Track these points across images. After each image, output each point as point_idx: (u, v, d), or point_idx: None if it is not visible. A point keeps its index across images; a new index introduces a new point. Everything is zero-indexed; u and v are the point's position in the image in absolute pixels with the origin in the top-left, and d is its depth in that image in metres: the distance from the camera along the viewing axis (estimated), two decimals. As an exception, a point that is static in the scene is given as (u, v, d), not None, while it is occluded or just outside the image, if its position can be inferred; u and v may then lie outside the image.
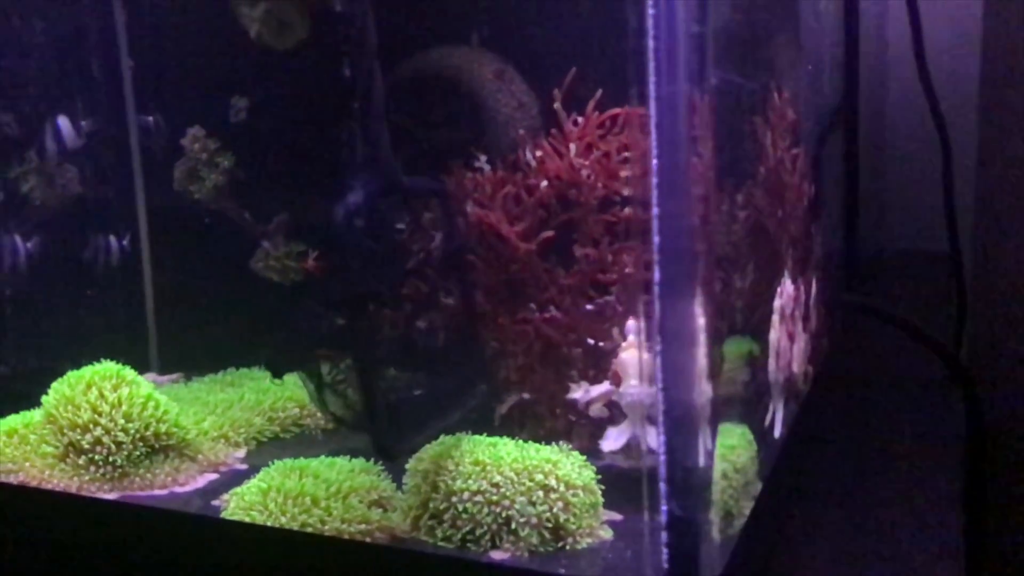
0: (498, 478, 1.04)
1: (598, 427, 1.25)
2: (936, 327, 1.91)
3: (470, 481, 1.04)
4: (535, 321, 1.31)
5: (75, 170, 1.57)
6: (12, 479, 1.25)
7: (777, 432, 1.26)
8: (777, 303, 1.28)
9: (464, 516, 1.04)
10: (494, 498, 1.04)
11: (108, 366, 1.26)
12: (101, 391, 1.24)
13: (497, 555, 1.03)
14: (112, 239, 1.57)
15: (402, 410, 1.07)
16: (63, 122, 1.45)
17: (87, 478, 1.23)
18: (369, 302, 1.01)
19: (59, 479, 1.24)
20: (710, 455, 0.88)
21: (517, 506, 1.03)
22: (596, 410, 1.25)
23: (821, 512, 1.28)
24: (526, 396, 1.27)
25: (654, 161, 0.83)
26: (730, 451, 1.08)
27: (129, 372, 1.26)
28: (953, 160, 2.30)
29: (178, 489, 1.23)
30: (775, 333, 1.26)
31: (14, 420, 1.31)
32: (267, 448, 1.34)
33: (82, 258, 1.59)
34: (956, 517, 1.25)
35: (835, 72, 1.71)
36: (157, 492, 1.23)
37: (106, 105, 1.53)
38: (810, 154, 1.49)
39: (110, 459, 1.23)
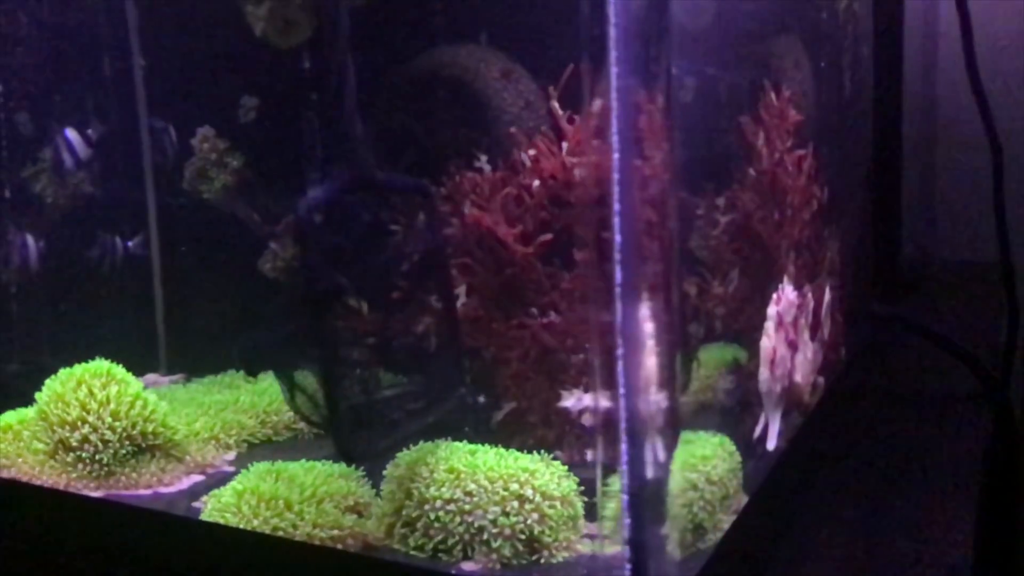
0: (472, 487, 1.02)
1: (591, 437, 1.22)
2: (984, 341, 1.85)
3: (443, 489, 1.02)
4: (533, 327, 1.28)
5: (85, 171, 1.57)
6: (5, 474, 1.25)
7: (771, 444, 1.22)
8: (772, 310, 1.24)
9: (436, 525, 1.01)
10: (466, 507, 1.01)
11: (98, 364, 1.26)
12: (91, 389, 1.24)
13: (468, 566, 1.00)
14: (121, 239, 1.57)
15: (368, 412, 1.04)
16: (72, 134, 1.45)
17: (75, 475, 1.23)
18: (332, 301, 0.98)
19: (49, 475, 1.24)
20: (663, 467, 0.84)
21: (490, 516, 1.00)
22: (589, 419, 1.22)
23: (818, 532, 1.23)
24: (514, 404, 1.24)
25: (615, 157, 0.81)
26: (702, 461, 1.04)
27: (119, 370, 1.26)
28: (1004, 166, 2.22)
29: (163, 489, 1.22)
30: (769, 341, 1.22)
31: (10, 416, 1.31)
32: (258, 451, 1.33)
33: (92, 257, 1.58)
34: (967, 552, 1.19)
35: (860, 72, 1.65)
36: (142, 492, 1.22)
37: (117, 104, 1.53)
38: (824, 156, 1.45)
39: (97, 457, 1.22)
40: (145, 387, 1.41)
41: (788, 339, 1.27)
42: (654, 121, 0.80)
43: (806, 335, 1.34)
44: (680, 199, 0.84)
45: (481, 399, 1.14)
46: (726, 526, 1.06)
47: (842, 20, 1.58)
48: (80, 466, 1.23)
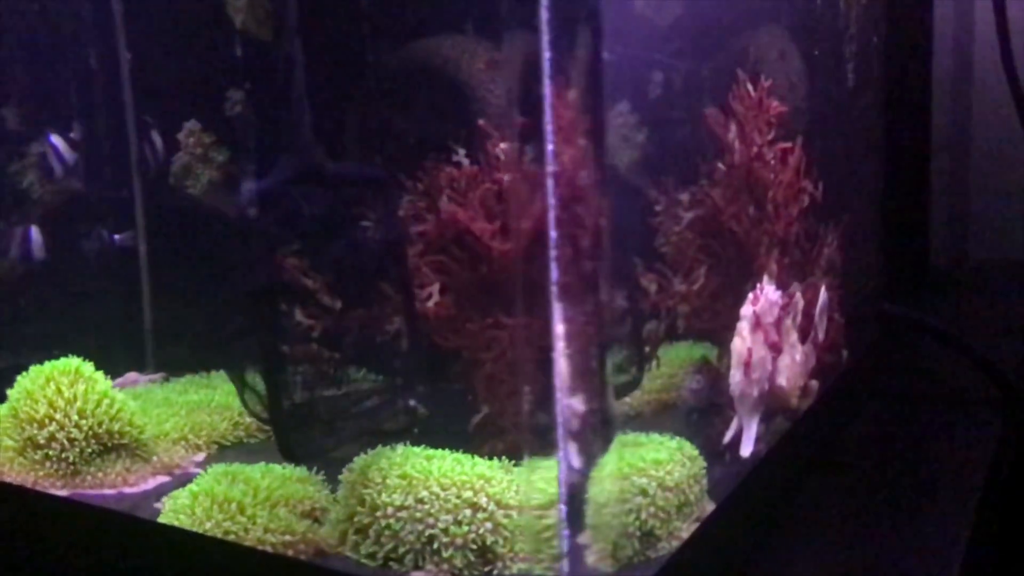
0: (424, 493, 0.98)
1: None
2: (1010, 344, 1.78)
3: (395, 495, 0.99)
4: (510, 326, 1.25)
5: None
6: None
7: (746, 450, 1.17)
8: (748, 310, 1.19)
9: (387, 533, 0.99)
10: (417, 515, 0.98)
11: (67, 361, 1.25)
12: (58, 386, 1.23)
13: (419, 576, 0.98)
14: (112, 236, 1.56)
15: (311, 411, 1.01)
16: (56, 140, 1.44)
17: (42, 473, 1.22)
18: (275, 296, 0.95)
19: (18, 473, 1.23)
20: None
21: (441, 525, 0.97)
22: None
23: (799, 543, 1.18)
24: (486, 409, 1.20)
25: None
26: (654, 466, 1.00)
27: (87, 368, 1.24)
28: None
29: (127, 490, 1.21)
30: (742, 342, 1.17)
31: (-12, 410, 1.30)
32: (229, 452, 1.30)
33: (91, 251, 1.57)
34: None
35: (866, 62, 1.59)
36: (107, 492, 1.21)
37: (104, 98, 1.51)
38: (818, 149, 1.40)
39: (63, 455, 1.21)
40: (124, 385, 1.41)
41: (769, 341, 1.22)
42: (583, 117, 0.77)
43: (793, 337, 1.29)
44: (623, 195, 0.81)
45: (413, 402, 1.10)
46: (685, 535, 1.02)
47: (842, 8, 1.53)
48: (48, 464, 1.22)
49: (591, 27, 0.75)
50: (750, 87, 1.24)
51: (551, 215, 0.82)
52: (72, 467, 1.21)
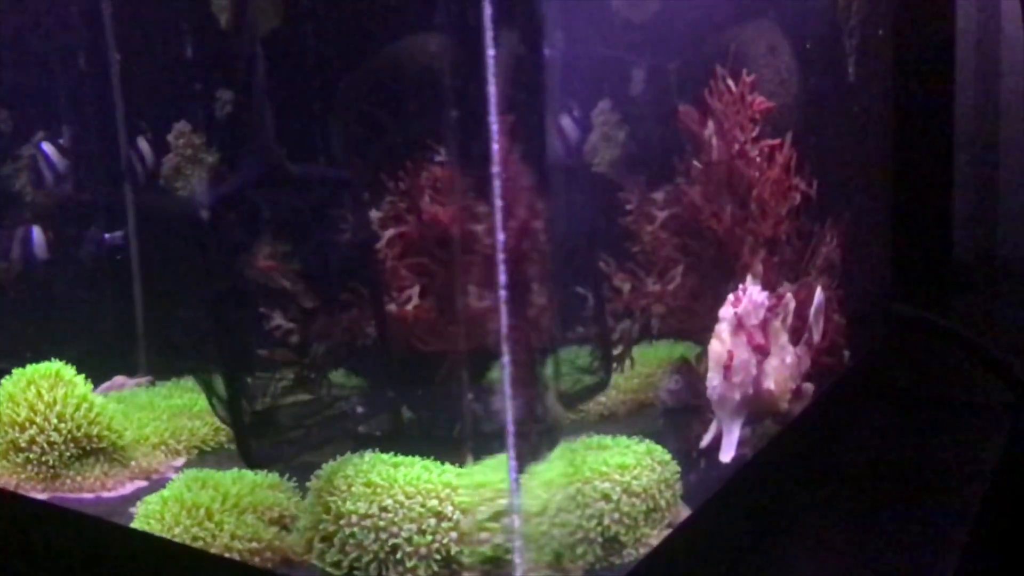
0: (388, 502, 0.97)
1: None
2: None
3: (359, 503, 0.97)
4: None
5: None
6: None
7: (727, 455, 1.14)
8: (728, 312, 1.16)
9: (351, 541, 0.97)
10: (381, 523, 0.96)
11: (48, 365, 1.24)
12: (39, 390, 1.23)
13: (382, 585, 0.96)
14: (104, 236, 1.55)
15: (274, 418, 1.00)
16: (48, 148, 1.44)
17: (24, 476, 1.22)
18: (235, 300, 0.94)
19: (6, 476, 1.23)
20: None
21: (404, 534, 0.96)
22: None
23: (782, 550, 1.15)
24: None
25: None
26: (619, 470, 0.98)
27: (68, 371, 1.24)
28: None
29: (105, 494, 1.20)
30: (721, 345, 1.15)
31: (-29, 414, 1.30)
32: (210, 457, 1.29)
33: (90, 252, 1.57)
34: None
35: (871, 56, 1.54)
36: (86, 496, 1.20)
37: (94, 100, 1.51)
38: (814, 145, 1.36)
39: (43, 459, 1.21)
40: (111, 389, 1.41)
41: (754, 343, 1.19)
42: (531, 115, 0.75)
43: (783, 339, 1.26)
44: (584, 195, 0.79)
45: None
46: (654, 541, 0.99)
47: (842, 3, 1.49)
48: (29, 467, 1.22)
49: (532, 25, 0.73)
50: (731, 83, 1.21)
51: (497, 217, 0.80)
52: (52, 471, 1.21)
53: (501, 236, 0.79)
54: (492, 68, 0.76)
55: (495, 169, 0.78)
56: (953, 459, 1.42)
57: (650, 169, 1.27)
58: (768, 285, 1.30)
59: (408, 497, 0.97)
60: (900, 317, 1.69)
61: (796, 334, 1.32)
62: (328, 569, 0.98)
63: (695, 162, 1.23)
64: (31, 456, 1.21)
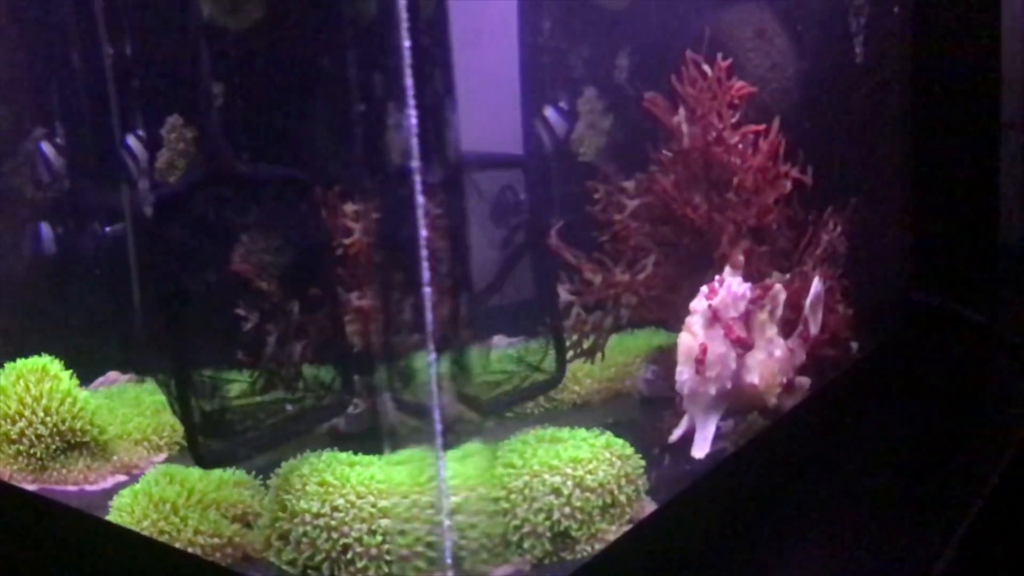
0: (339, 501, 0.97)
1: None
2: None
3: (313, 503, 0.97)
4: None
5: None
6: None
7: (700, 451, 1.12)
8: (701, 304, 1.13)
9: (305, 540, 0.97)
10: (332, 523, 0.96)
11: (36, 359, 1.27)
12: (27, 384, 1.25)
13: (334, 585, 0.96)
14: (107, 230, 1.57)
15: (225, 418, 1.00)
16: (46, 147, 1.46)
17: (16, 467, 1.25)
18: (183, 301, 0.94)
19: (1, 466, 1.26)
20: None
21: (354, 534, 0.95)
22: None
23: (752, 547, 1.12)
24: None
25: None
26: (571, 464, 0.96)
27: (54, 366, 1.26)
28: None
29: (88, 487, 1.23)
30: (692, 338, 1.12)
31: (-32, 408, 1.33)
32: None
33: (91, 246, 1.58)
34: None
35: (881, 37, 1.48)
36: (70, 488, 1.23)
37: (89, 94, 1.52)
38: (811, 131, 1.32)
39: (31, 451, 1.23)
40: (103, 385, 1.43)
41: (733, 336, 1.16)
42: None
43: (771, 331, 1.22)
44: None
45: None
46: (611, 537, 0.98)
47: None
48: (20, 459, 1.24)
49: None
50: (707, 68, 1.17)
51: (418, 213, 0.79)
52: (40, 463, 1.24)
53: (424, 233, 0.78)
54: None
55: (414, 164, 0.77)
56: (959, 453, 1.37)
57: (625, 158, 1.24)
58: (754, 276, 1.27)
59: (359, 497, 0.97)
60: (921, 306, 1.64)
61: (790, 326, 1.28)
62: (284, 567, 0.99)
63: (664, 151, 1.20)
64: (21, 448, 1.24)
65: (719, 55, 1.17)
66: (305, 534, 0.97)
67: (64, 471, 1.23)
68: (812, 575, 1.08)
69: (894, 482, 1.28)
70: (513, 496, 1.00)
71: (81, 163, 1.46)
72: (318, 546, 0.97)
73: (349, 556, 0.96)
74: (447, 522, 0.79)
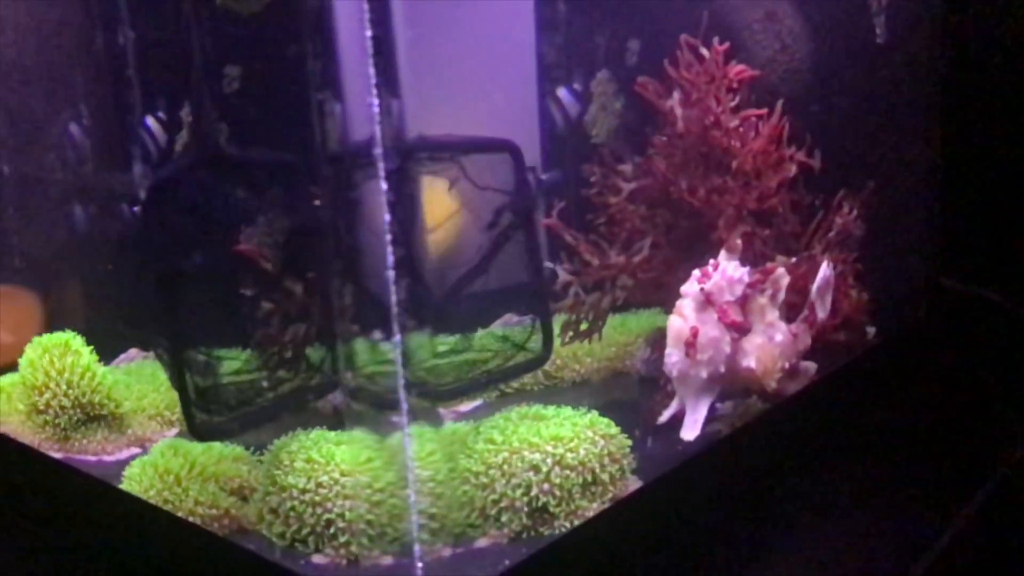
0: (324, 478, 1.00)
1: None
2: None
3: (300, 479, 1.01)
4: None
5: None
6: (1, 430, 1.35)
7: (689, 433, 1.13)
8: (693, 288, 1.13)
9: (292, 514, 1.01)
10: (317, 499, 1.00)
11: (60, 335, 1.32)
12: (52, 357, 1.30)
13: (318, 559, 1.00)
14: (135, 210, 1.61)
15: (218, 394, 1.04)
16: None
17: (43, 436, 1.31)
18: (177, 280, 0.97)
19: (28, 435, 1.32)
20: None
21: (337, 509, 0.99)
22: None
23: (739, 529, 1.13)
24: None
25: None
26: (552, 442, 0.98)
27: (76, 341, 1.31)
28: None
29: (106, 458, 1.28)
30: (683, 321, 1.12)
31: (5, 379, 1.40)
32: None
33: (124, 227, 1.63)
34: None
35: (903, 13, 1.45)
36: (90, 458, 1.28)
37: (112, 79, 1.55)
38: (825, 113, 1.31)
39: (56, 421, 1.29)
40: (124, 361, 1.49)
41: (728, 321, 1.16)
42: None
43: (771, 315, 1.22)
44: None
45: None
46: (591, 513, 1.00)
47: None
48: (47, 429, 1.30)
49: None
50: (704, 51, 1.17)
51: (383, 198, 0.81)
52: (64, 432, 1.30)
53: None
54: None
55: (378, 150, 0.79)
56: (972, 439, 1.35)
57: (636, 139, 1.25)
58: (757, 259, 1.27)
59: (343, 475, 1.00)
60: (950, 293, 1.61)
61: (795, 310, 1.28)
62: (274, 539, 1.03)
63: (657, 135, 1.20)
64: (47, 418, 1.30)
65: (715, 39, 1.17)
66: (292, 508, 1.01)
67: (85, 441, 1.29)
68: (790, 562, 1.08)
69: (894, 470, 1.27)
70: (492, 471, 1.02)
71: (105, 145, 1.50)
72: (304, 520, 1.00)
73: (332, 531, 0.99)
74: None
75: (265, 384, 1.04)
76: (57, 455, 1.29)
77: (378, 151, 0.80)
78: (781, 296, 1.24)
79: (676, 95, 1.18)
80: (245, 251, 1.15)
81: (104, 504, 1.18)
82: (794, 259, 1.30)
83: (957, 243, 1.62)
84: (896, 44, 1.41)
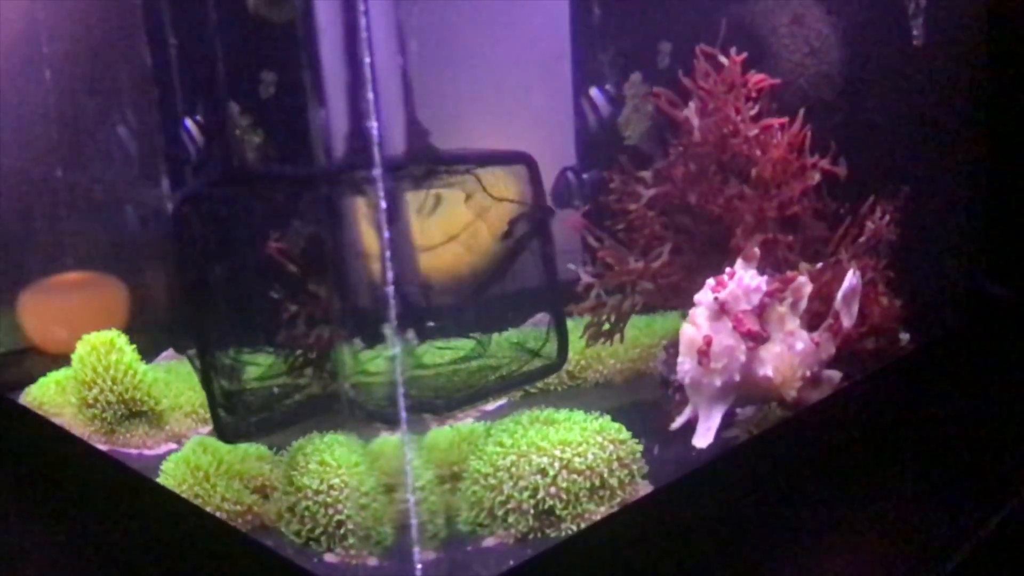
0: (335, 480, 1.04)
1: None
2: None
3: (313, 480, 1.05)
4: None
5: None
6: (56, 420, 1.42)
7: (702, 441, 1.14)
8: (706, 297, 1.14)
9: (307, 514, 1.05)
10: (329, 500, 1.04)
11: (106, 333, 1.39)
12: (99, 355, 1.37)
13: (330, 558, 1.04)
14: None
15: (242, 398, 1.09)
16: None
17: (92, 429, 1.38)
18: (203, 289, 1.02)
19: (80, 427, 1.40)
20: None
21: (347, 511, 1.03)
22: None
23: (746, 536, 1.13)
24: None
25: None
26: (559, 446, 1.02)
27: (120, 340, 1.38)
28: None
29: (146, 452, 1.34)
30: (696, 330, 1.13)
31: (62, 372, 1.48)
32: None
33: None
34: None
35: (943, 14, 1.42)
36: (132, 452, 1.34)
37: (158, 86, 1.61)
38: (855, 118, 1.30)
39: (103, 415, 1.36)
40: (164, 360, 1.55)
41: (744, 330, 1.16)
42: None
43: (792, 324, 1.22)
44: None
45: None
46: (597, 517, 1.03)
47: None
48: (96, 422, 1.37)
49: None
50: (723, 59, 1.17)
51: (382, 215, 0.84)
52: (110, 426, 1.36)
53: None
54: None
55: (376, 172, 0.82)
56: (1000, 451, 1.33)
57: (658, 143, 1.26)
58: (777, 266, 1.27)
59: (352, 477, 1.04)
60: (994, 299, 1.57)
61: (819, 318, 1.27)
62: (291, 537, 1.07)
63: (673, 143, 1.21)
64: (95, 412, 1.37)
65: (733, 49, 1.17)
66: (307, 508, 1.05)
67: (128, 436, 1.35)
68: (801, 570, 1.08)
69: (919, 481, 1.26)
70: (500, 473, 1.05)
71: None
72: (317, 520, 1.04)
73: (342, 532, 1.03)
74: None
75: (289, 387, 1.07)
76: (104, 447, 1.36)
77: (376, 171, 0.82)
78: (803, 305, 1.23)
79: (692, 105, 1.19)
80: (276, 250, 1.19)
81: (143, 496, 1.24)
82: (819, 265, 1.30)
83: (1006, 249, 1.59)
84: (936, 46, 1.39)
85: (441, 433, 1.18)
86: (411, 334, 0.90)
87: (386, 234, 0.88)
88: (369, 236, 0.86)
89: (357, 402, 0.92)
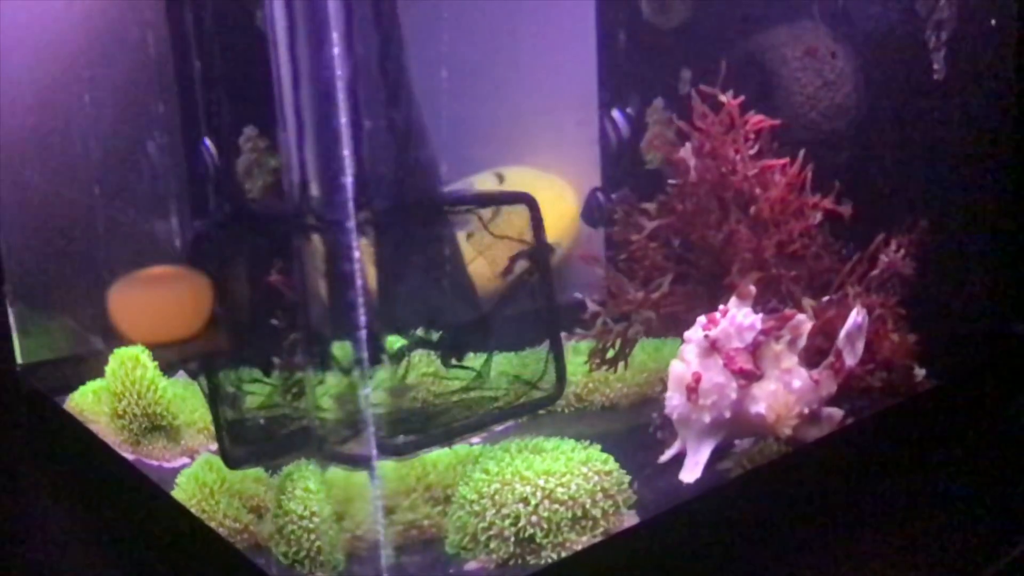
0: (316, 507, 1.08)
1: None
2: None
3: (299, 505, 1.09)
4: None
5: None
6: (92, 427, 1.49)
7: (689, 476, 1.15)
8: (696, 334, 1.15)
9: (292, 537, 1.09)
10: (311, 525, 1.07)
11: (132, 349, 1.45)
12: (127, 369, 1.43)
13: (310, 581, 1.08)
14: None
15: (244, 424, 1.13)
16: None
17: (121, 439, 1.44)
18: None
19: (111, 436, 1.46)
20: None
21: (327, 537, 1.06)
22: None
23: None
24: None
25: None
26: (542, 476, 1.04)
27: (144, 356, 1.44)
28: None
29: (165, 464, 1.40)
30: (684, 367, 1.14)
31: (99, 382, 1.55)
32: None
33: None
34: None
35: (965, 49, 1.39)
36: (153, 463, 1.40)
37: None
38: (868, 152, 1.28)
39: (130, 426, 1.42)
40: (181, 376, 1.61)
41: (735, 368, 1.17)
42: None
43: (789, 362, 1.21)
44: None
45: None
46: (578, 547, 1.04)
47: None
48: (124, 432, 1.44)
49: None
50: (723, 98, 1.17)
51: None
52: (135, 437, 1.43)
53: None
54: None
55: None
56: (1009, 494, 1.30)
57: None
58: (780, 301, 1.26)
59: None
60: (1017, 336, 1.53)
61: (822, 354, 1.27)
62: (280, 558, 1.11)
63: (670, 182, 1.21)
64: (123, 423, 1.43)
65: (729, 93, 1.17)
66: (292, 532, 1.09)
67: (151, 447, 1.42)
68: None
69: (924, 518, 1.24)
70: (484, 500, 1.08)
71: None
72: (301, 544, 1.08)
73: (322, 557, 1.07)
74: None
75: (289, 414, 1.12)
76: (130, 456, 1.42)
77: (349, 209, 0.85)
78: (802, 342, 1.23)
79: (689, 145, 1.20)
80: (275, 281, 1.23)
81: (159, 508, 1.30)
82: (824, 299, 1.29)
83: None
84: (958, 79, 1.36)
85: (441, 455, 1.21)
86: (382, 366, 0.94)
87: (357, 278, 0.91)
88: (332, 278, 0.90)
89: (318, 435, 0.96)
